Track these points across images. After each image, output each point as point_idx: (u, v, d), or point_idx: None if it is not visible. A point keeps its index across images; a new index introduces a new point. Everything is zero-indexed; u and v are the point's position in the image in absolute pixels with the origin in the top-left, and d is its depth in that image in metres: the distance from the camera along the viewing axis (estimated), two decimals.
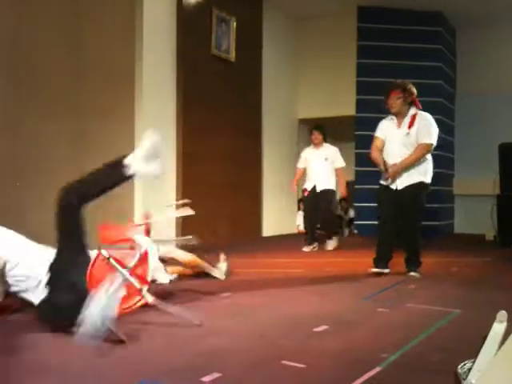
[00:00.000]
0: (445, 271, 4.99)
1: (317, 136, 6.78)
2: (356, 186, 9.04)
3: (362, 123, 8.90)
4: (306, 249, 6.69)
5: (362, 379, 2.02)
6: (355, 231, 9.13)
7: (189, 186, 6.97)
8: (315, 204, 6.67)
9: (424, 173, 4.55)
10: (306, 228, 7.04)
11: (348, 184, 10.62)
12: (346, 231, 9.31)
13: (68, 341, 2.44)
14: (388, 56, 8.87)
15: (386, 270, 4.61)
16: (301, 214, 9.67)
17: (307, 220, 6.91)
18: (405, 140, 4.53)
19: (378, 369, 2.14)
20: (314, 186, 6.70)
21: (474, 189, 9.25)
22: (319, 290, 4.00)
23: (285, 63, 9.40)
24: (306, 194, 6.82)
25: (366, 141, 8.76)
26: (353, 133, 9.15)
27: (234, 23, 7.68)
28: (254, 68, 8.33)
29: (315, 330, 2.74)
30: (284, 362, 2.22)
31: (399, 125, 4.59)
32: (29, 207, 5.05)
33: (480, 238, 8.36)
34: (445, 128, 8.76)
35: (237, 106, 7.88)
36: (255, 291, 3.90)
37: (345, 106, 9.08)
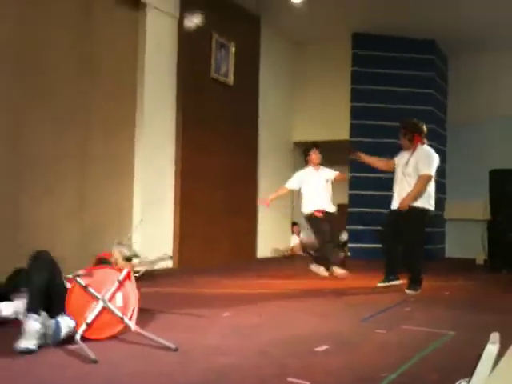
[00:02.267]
0: (438, 294, 5.13)
1: (318, 155, 6.39)
2: (349, 209, 9.18)
3: (356, 148, 9.08)
4: (320, 270, 6.24)
5: None
6: (348, 254, 9.24)
7: (186, 204, 7.08)
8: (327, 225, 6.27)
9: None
10: (321, 246, 6.42)
11: (341, 207, 10.79)
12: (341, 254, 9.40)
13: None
14: (381, 82, 9.12)
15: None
16: (296, 237, 9.81)
17: (324, 240, 6.29)
18: (404, 169, 5.11)
19: None
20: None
21: (465, 213, 9.43)
22: (318, 311, 4.11)
23: (281, 86, 9.60)
24: (318, 214, 6.31)
25: (360, 165, 9.05)
26: (347, 157, 9.32)
27: (233, 48, 7.88)
28: (252, 91, 8.52)
29: (316, 349, 2.84)
30: (290, 379, 2.32)
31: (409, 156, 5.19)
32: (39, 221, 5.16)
33: (470, 262, 8.52)
34: (436, 153, 8.96)
35: (234, 128, 8.05)
36: (254, 311, 4.00)
37: (339, 130, 9.26)
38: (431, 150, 5.17)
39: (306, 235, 8.18)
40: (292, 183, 6.62)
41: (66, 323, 2.76)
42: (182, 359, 2.59)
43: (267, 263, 8.27)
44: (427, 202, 5.05)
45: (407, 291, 4.95)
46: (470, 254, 8.89)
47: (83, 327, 2.82)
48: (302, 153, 6.72)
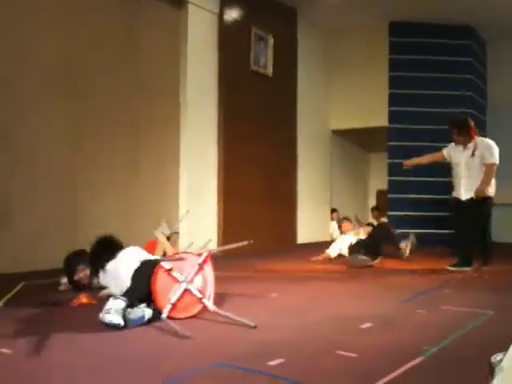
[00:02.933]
0: (477, 277, 5.25)
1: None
2: (389, 195, 9.30)
3: (395, 134, 9.20)
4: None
5: (407, 366, 2.34)
6: None
7: (229, 192, 7.37)
8: None
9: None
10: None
11: (381, 193, 10.91)
12: None
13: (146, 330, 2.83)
14: (419, 69, 9.15)
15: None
16: (335, 223, 9.97)
17: None
18: (469, 162, 5.71)
19: (420, 358, 2.45)
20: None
21: (506, 198, 9.38)
22: (358, 293, 4.33)
23: (318, 76, 9.74)
24: None
25: (399, 151, 9.16)
26: (385, 143, 9.44)
27: (271, 40, 8.07)
28: (290, 82, 8.70)
29: (361, 326, 3.06)
30: (338, 351, 2.55)
31: (464, 150, 5.80)
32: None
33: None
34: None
35: (273, 118, 8.27)
36: (299, 292, 4.25)
37: (377, 117, 9.36)
38: (491, 141, 5.76)
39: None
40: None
41: (148, 313, 3.07)
42: (232, 334, 2.85)
43: (307, 248, 8.48)
44: (491, 189, 5.72)
45: (451, 268, 5.63)
46: (510, 239, 8.88)
47: (168, 307, 3.12)
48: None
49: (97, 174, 5.85)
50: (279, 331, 2.95)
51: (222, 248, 3.54)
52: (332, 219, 10.04)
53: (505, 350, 2.29)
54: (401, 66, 9.20)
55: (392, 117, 9.25)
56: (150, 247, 4.17)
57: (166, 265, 3.23)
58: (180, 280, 3.21)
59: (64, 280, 4.29)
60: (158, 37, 6.54)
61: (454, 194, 5.98)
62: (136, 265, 3.37)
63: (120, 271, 3.43)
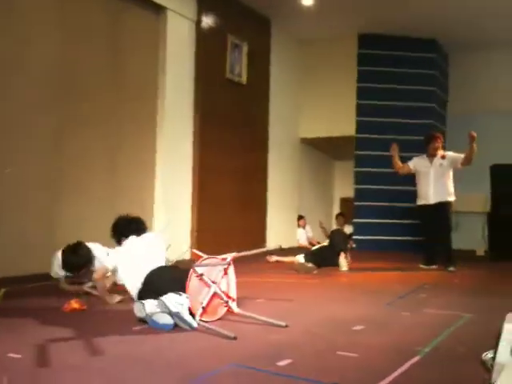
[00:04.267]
0: (448, 282, 5.52)
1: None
2: (355, 203, 9.56)
3: (362, 143, 9.49)
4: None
5: (407, 365, 2.49)
6: (353, 245, 9.63)
7: (203, 199, 7.43)
8: None
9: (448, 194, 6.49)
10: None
11: (345, 201, 11.21)
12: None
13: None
14: (386, 80, 9.48)
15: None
16: (302, 230, 10.17)
17: None
18: (439, 169, 6.46)
19: (417, 357, 2.61)
20: None
21: (465, 206, 9.82)
22: (342, 297, 4.49)
23: (290, 85, 9.91)
24: None
25: (365, 160, 9.45)
26: (351, 152, 9.71)
27: (246, 48, 8.21)
28: (263, 90, 8.85)
29: (354, 328, 3.21)
30: (339, 352, 2.68)
31: (431, 161, 6.54)
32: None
33: (471, 254, 8.92)
34: None
35: (247, 126, 8.40)
36: (283, 298, 4.35)
37: (345, 126, 9.62)
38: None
39: None
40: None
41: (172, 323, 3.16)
42: (240, 338, 2.94)
43: (277, 254, 8.60)
44: (452, 195, 6.50)
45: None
46: (469, 246, 9.28)
47: (200, 311, 3.23)
48: None
49: (75, 176, 5.79)
50: (280, 333, 3.05)
51: (240, 254, 3.68)
52: (299, 226, 10.22)
53: (491, 348, 2.50)
54: (369, 78, 9.50)
55: (359, 126, 9.53)
56: None
57: (198, 270, 3.35)
58: (210, 284, 3.32)
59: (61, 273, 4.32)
60: (139, 42, 6.58)
61: (421, 202, 6.57)
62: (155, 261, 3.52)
63: (138, 254, 3.57)
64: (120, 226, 3.80)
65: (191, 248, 7.16)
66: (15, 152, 5.19)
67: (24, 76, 5.25)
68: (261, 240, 9.14)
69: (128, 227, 3.74)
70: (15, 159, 5.20)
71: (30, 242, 5.24)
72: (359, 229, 9.53)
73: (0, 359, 2.47)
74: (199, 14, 7.29)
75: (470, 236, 9.27)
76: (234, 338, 2.85)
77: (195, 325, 3.07)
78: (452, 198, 6.51)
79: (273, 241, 9.42)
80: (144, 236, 3.74)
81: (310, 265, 6.15)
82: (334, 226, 10.63)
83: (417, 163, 6.65)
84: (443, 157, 6.51)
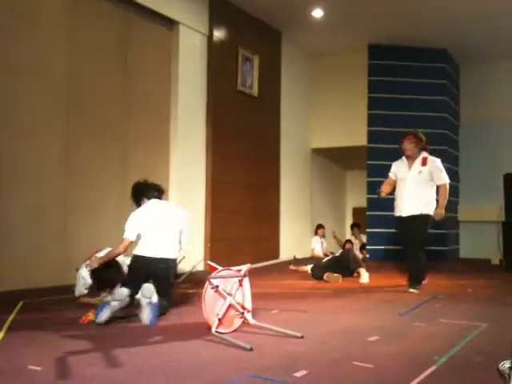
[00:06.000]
0: (462, 292, 5.49)
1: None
2: (368, 213, 9.55)
3: (374, 153, 9.50)
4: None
5: (423, 375, 2.50)
6: (367, 255, 9.61)
7: (216, 209, 7.49)
8: None
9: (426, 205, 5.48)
10: None
11: (360, 210, 11.19)
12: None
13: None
14: (397, 91, 9.51)
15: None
16: (317, 238, 10.15)
17: None
18: (417, 177, 5.46)
19: (434, 367, 2.61)
20: None
21: (479, 215, 9.80)
22: (356, 308, 4.49)
23: (301, 96, 10.00)
24: None
25: (378, 170, 9.45)
26: (362, 161, 9.72)
27: (257, 61, 8.29)
28: (274, 102, 8.94)
29: (369, 339, 3.22)
30: (355, 362, 2.69)
31: (410, 166, 5.54)
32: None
33: (485, 263, 8.87)
34: (450, 158, 9.37)
35: (258, 137, 8.47)
36: (298, 309, 4.36)
37: (356, 136, 9.65)
38: (437, 159, 5.57)
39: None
40: None
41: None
42: (256, 347, 2.97)
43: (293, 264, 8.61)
44: (432, 208, 5.46)
45: (412, 290, 5.31)
46: (483, 255, 9.25)
47: (216, 322, 3.27)
48: None
49: (89, 194, 5.87)
50: (295, 344, 3.07)
51: (255, 266, 3.76)
52: (317, 234, 10.16)
53: (508, 357, 2.51)
54: (379, 88, 9.53)
55: (371, 136, 9.55)
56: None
57: (214, 282, 3.39)
58: (225, 296, 3.36)
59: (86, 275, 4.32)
60: (151, 56, 6.69)
61: (396, 213, 5.67)
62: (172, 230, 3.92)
63: (157, 216, 3.85)
64: (142, 185, 4.05)
65: (204, 259, 7.25)
66: (31, 172, 5.31)
67: (36, 85, 5.37)
68: (275, 250, 9.18)
69: (150, 189, 4.00)
70: (32, 177, 5.31)
71: (43, 255, 5.32)
72: (372, 238, 9.52)
73: (21, 371, 2.51)
74: (211, 27, 7.40)
75: (485, 245, 9.24)
76: (251, 349, 2.87)
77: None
78: (430, 211, 5.43)
79: (287, 251, 9.46)
80: (165, 202, 3.99)
81: (335, 275, 6.30)
82: (348, 236, 10.64)
83: (397, 170, 5.69)
84: (424, 162, 5.47)
